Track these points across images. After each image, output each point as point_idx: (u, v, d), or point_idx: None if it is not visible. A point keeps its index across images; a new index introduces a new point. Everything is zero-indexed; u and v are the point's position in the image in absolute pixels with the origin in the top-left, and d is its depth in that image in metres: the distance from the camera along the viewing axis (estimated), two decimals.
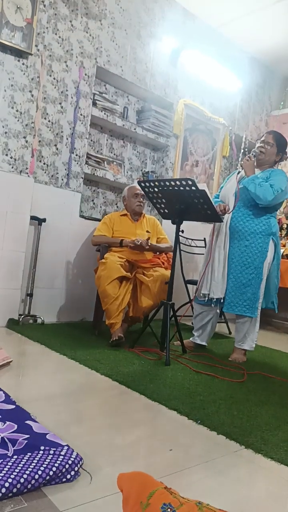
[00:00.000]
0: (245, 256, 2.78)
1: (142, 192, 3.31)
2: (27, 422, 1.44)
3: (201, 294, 2.91)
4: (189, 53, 4.16)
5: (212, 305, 2.91)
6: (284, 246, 4.58)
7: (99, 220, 3.43)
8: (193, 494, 1.02)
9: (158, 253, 3.37)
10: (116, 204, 4.06)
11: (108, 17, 3.57)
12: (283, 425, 1.78)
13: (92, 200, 3.92)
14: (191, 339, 3.08)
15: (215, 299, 2.85)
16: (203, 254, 4.22)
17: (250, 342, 2.86)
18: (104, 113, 3.64)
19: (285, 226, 4.83)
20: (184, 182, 2.59)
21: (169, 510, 0.85)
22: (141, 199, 3.36)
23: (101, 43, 3.54)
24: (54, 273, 3.41)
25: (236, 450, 1.52)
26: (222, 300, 2.85)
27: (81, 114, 3.44)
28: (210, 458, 1.44)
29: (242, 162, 2.87)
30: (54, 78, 3.26)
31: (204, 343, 3.05)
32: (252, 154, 2.85)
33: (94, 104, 3.57)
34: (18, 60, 3.05)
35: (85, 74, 3.45)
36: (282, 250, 4.34)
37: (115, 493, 1.10)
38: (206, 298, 2.90)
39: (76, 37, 3.36)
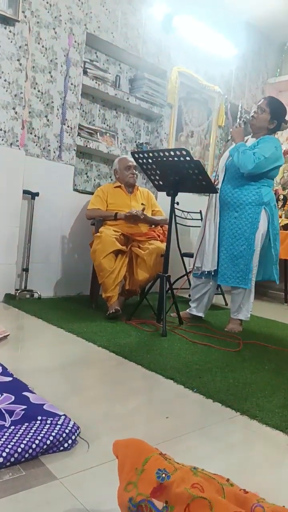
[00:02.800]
0: (235, 227, 2.77)
1: (135, 163, 3.26)
2: (25, 393, 1.45)
3: (195, 267, 2.93)
4: (182, 19, 4.01)
5: (203, 277, 2.92)
6: (280, 217, 4.56)
7: (93, 193, 3.38)
8: (189, 460, 1.03)
9: (153, 226, 3.35)
10: (110, 177, 4.00)
11: None
12: (277, 392, 1.80)
13: (86, 173, 3.86)
14: (187, 310, 3.10)
15: (206, 272, 2.86)
16: (199, 226, 4.20)
17: (245, 312, 2.87)
18: (96, 82, 3.54)
19: (281, 197, 4.79)
20: (178, 153, 2.54)
21: (163, 475, 0.86)
22: (134, 170, 3.31)
23: (91, 9, 3.41)
24: (50, 247, 3.39)
25: (232, 417, 1.54)
26: (213, 273, 2.85)
27: (71, 84, 3.34)
28: (206, 424, 1.47)
29: (231, 130, 2.83)
30: (42, 46, 3.15)
31: (201, 314, 3.07)
32: (243, 120, 2.80)
33: (85, 72, 3.46)
34: (5, 28, 2.93)
35: (75, 41, 3.33)
36: (278, 221, 4.31)
37: (112, 460, 1.11)
38: (200, 271, 2.91)
39: (64, 2, 3.22)
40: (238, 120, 2.82)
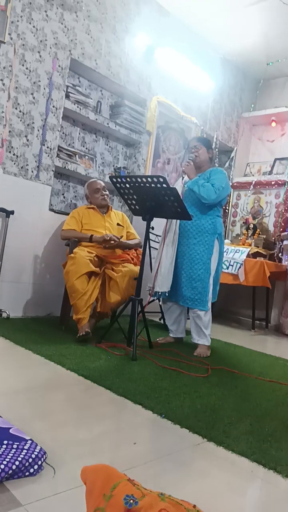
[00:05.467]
0: (194, 252, 2.98)
1: (103, 185, 3.34)
2: None
3: (148, 287, 3.06)
4: (163, 51, 4.17)
5: (156, 297, 3.12)
6: (250, 245, 4.69)
7: (68, 214, 3.40)
8: (156, 486, 1.04)
9: (127, 249, 3.38)
10: (83, 199, 4.02)
11: (84, 9, 3.53)
12: (243, 418, 1.83)
13: (63, 194, 3.88)
14: (170, 334, 3.23)
15: (160, 293, 3.00)
16: None
17: (207, 336, 2.98)
18: (77, 106, 3.61)
19: (251, 225, 4.94)
20: (155, 179, 2.61)
21: (131, 501, 0.86)
22: (103, 192, 3.36)
23: (76, 35, 3.50)
24: (21, 266, 3.36)
25: (199, 443, 1.55)
26: (167, 294, 3.00)
27: (53, 106, 3.39)
28: (174, 450, 1.47)
29: (183, 168, 3.10)
30: (26, 68, 3.20)
31: (182, 336, 3.23)
32: (190, 158, 3.09)
33: (67, 96, 3.53)
34: None
35: (59, 66, 3.40)
36: (248, 249, 4.45)
37: (78, 486, 1.10)
38: (153, 292, 3.01)
39: (50, 27, 3.31)
40: (188, 158, 3.14)
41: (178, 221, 3.00)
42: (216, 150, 3.27)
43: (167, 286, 2.97)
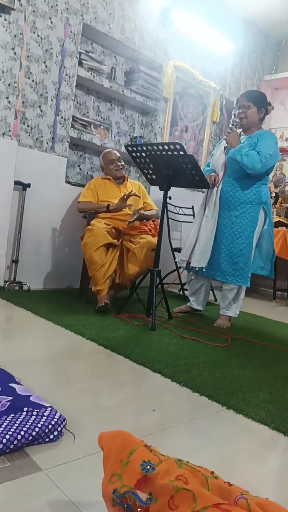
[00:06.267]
0: (236, 226, 2.79)
1: (118, 155, 3.27)
2: (11, 384, 1.44)
3: (180, 260, 2.94)
4: (179, 13, 3.98)
5: (191, 272, 2.94)
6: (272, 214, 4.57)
7: (85, 186, 3.36)
8: (175, 453, 1.04)
9: (145, 220, 3.34)
10: (98, 171, 3.97)
11: None
12: (264, 387, 1.82)
13: (79, 166, 3.83)
14: (188, 304, 3.15)
15: (197, 268, 2.86)
16: (191, 222, 4.20)
17: (234, 309, 2.90)
18: (91, 74, 3.51)
19: (273, 194, 4.81)
20: (172, 147, 2.53)
21: (148, 467, 0.86)
22: (118, 162, 3.30)
23: None
24: (40, 239, 3.37)
25: (218, 411, 1.55)
26: (204, 269, 2.86)
27: (66, 74, 3.30)
28: (192, 418, 1.47)
29: (225, 136, 2.83)
30: (38, 35, 3.11)
31: (200, 308, 3.12)
32: (233, 124, 2.84)
33: (80, 63, 3.43)
34: (0, 16, 2.88)
35: (71, 32, 3.29)
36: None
37: (97, 452, 1.11)
38: (187, 266, 2.93)
39: None
40: (232, 116, 2.82)
41: (219, 191, 2.80)
42: (273, 106, 2.88)
43: (205, 261, 2.81)
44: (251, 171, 2.68)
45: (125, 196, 3.07)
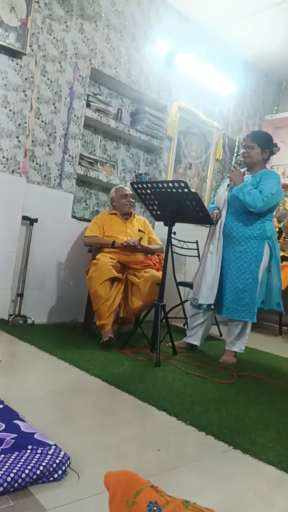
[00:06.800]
0: (241, 261, 2.79)
1: (131, 192, 3.34)
2: (15, 421, 1.43)
3: (194, 299, 2.93)
4: (183, 56, 4.17)
5: (201, 311, 2.92)
6: None
7: (91, 221, 3.42)
8: (180, 493, 1.02)
9: (149, 254, 3.37)
10: (109, 205, 4.05)
11: (103, 18, 3.58)
12: (270, 426, 1.79)
13: (85, 201, 3.92)
14: (184, 339, 3.10)
15: (205, 305, 2.86)
16: (195, 256, 4.24)
17: (240, 344, 2.87)
18: (98, 114, 3.65)
19: (277, 229, 4.85)
20: (176, 184, 2.60)
21: (155, 508, 0.85)
22: (130, 199, 3.37)
23: (96, 45, 3.55)
24: (45, 273, 3.40)
25: (224, 451, 1.52)
26: (212, 306, 2.86)
27: (74, 115, 3.44)
28: (198, 458, 1.45)
29: (229, 174, 2.89)
30: (48, 79, 3.26)
31: (196, 343, 3.05)
32: (237, 162, 2.89)
33: (88, 105, 3.57)
34: (12, 60, 3.04)
35: (79, 75, 3.45)
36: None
37: (102, 492, 1.09)
38: (195, 303, 2.91)
39: (70, 38, 3.36)
40: (235, 154, 2.90)
41: (222, 227, 2.83)
42: (279, 147, 2.94)
43: (213, 297, 2.81)
44: (253, 209, 2.72)
45: (125, 244, 3.12)
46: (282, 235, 4.80)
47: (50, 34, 3.24)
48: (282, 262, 4.33)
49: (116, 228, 3.32)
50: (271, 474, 1.40)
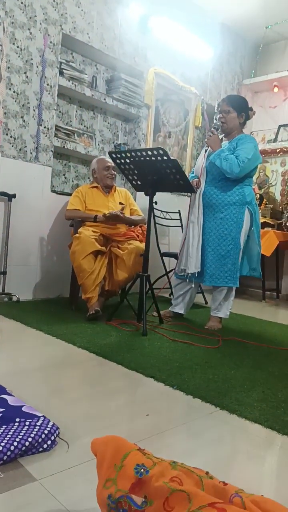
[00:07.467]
0: (222, 228, 2.79)
1: (113, 164, 3.27)
2: (2, 396, 1.43)
3: (180, 269, 2.93)
4: (158, 20, 4.03)
5: (187, 280, 2.92)
6: None
7: (71, 194, 3.36)
8: (170, 456, 1.04)
9: (132, 226, 3.35)
10: (89, 178, 3.99)
11: None
12: (256, 386, 1.83)
13: (64, 174, 3.84)
14: (169, 308, 3.12)
15: (190, 274, 2.87)
16: (178, 226, 4.23)
17: (225, 310, 2.91)
18: (72, 83, 3.52)
19: (258, 196, 4.86)
20: (155, 152, 2.55)
21: (142, 470, 0.86)
22: (112, 171, 3.31)
23: (66, 9, 3.39)
24: (28, 250, 3.36)
25: (212, 412, 1.55)
26: (197, 275, 2.86)
27: (47, 84, 3.31)
28: (186, 420, 1.48)
29: (206, 140, 2.86)
30: (17, 47, 3.12)
31: (182, 312, 3.08)
32: (214, 127, 2.87)
33: (61, 73, 3.45)
34: None
35: (50, 42, 3.31)
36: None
37: (91, 459, 1.10)
38: (183, 273, 2.92)
39: (39, 3, 3.20)
40: (214, 120, 2.86)
41: (201, 195, 2.82)
42: (254, 111, 2.94)
43: (198, 266, 2.80)
44: (230, 175, 2.72)
45: (107, 214, 3.09)
46: (264, 202, 4.81)
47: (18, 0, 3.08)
48: (263, 228, 4.37)
49: (97, 202, 3.27)
50: (258, 432, 1.43)
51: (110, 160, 3.32)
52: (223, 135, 2.92)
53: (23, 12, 3.12)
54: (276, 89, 5.15)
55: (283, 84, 5.11)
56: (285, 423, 1.49)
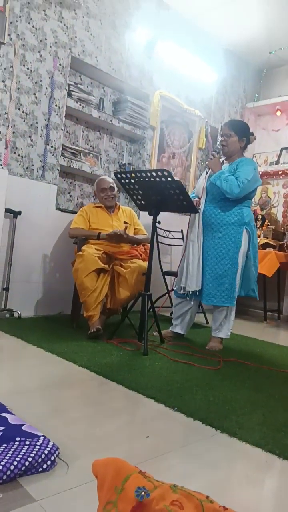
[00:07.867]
0: (220, 247, 2.83)
1: (111, 185, 3.32)
2: (3, 414, 1.43)
3: (180, 287, 2.95)
4: (164, 44, 4.14)
5: (188, 298, 2.94)
6: (259, 236, 4.65)
7: (76, 212, 3.40)
8: (169, 479, 1.04)
9: (135, 245, 3.38)
10: (93, 196, 4.03)
11: (83, 6, 3.52)
12: (257, 409, 1.82)
13: (69, 193, 3.89)
14: (170, 328, 3.12)
15: (191, 292, 2.88)
16: (180, 245, 4.25)
17: (226, 330, 2.91)
18: (80, 104, 3.60)
19: (260, 217, 4.90)
20: (160, 173, 2.60)
21: (143, 493, 0.86)
22: (109, 192, 3.34)
23: (76, 33, 3.49)
24: (31, 266, 3.38)
25: (212, 435, 1.55)
26: (198, 293, 2.88)
27: (56, 105, 3.39)
28: (187, 443, 1.47)
29: (207, 162, 2.94)
30: (27, 68, 3.20)
31: (182, 332, 3.08)
32: (215, 150, 2.93)
33: (69, 95, 3.53)
34: None
35: (60, 64, 3.40)
36: (257, 240, 4.41)
37: (91, 480, 1.11)
38: (183, 291, 2.93)
39: (50, 26, 3.31)
40: (217, 142, 2.93)
41: (201, 214, 2.86)
42: (255, 136, 3.00)
43: (198, 284, 2.83)
44: (230, 195, 2.77)
45: (111, 233, 3.12)
46: (266, 223, 4.84)
47: (29, 23, 3.18)
48: (265, 249, 4.39)
49: (102, 221, 3.31)
50: (258, 456, 1.43)
51: (109, 180, 3.36)
52: (224, 158, 2.98)
53: (33, 35, 3.21)
54: (278, 113, 5.24)
55: (285, 108, 5.20)
56: (286, 446, 1.49)
